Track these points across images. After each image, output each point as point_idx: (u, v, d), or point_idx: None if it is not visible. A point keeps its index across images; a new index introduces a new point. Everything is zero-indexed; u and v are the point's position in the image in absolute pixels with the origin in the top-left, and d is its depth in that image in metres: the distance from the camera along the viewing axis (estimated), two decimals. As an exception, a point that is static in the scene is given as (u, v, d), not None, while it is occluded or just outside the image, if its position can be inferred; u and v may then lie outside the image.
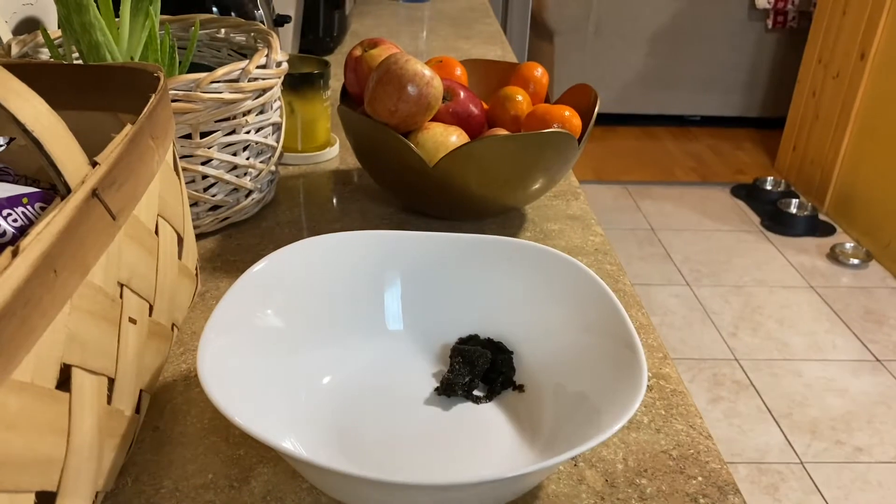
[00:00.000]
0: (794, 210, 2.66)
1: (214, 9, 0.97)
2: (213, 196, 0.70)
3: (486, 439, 0.49)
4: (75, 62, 0.64)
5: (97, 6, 0.62)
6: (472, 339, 0.56)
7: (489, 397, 0.52)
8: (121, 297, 0.42)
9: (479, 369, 0.53)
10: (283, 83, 0.78)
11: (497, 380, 0.53)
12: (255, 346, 0.50)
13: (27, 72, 0.53)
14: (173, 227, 0.51)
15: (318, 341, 0.54)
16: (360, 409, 0.51)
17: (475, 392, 0.53)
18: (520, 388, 0.53)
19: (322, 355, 0.54)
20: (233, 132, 0.69)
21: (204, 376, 0.42)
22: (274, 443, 0.38)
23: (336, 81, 0.90)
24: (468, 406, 0.52)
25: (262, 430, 0.40)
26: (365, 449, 0.48)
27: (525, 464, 0.46)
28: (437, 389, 0.53)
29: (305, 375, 0.52)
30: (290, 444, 0.46)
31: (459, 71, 0.81)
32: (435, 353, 0.56)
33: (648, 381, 0.55)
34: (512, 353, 0.55)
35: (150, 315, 0.47)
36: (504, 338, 0.56)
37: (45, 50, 0.71)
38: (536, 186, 0.71)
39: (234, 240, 0.72)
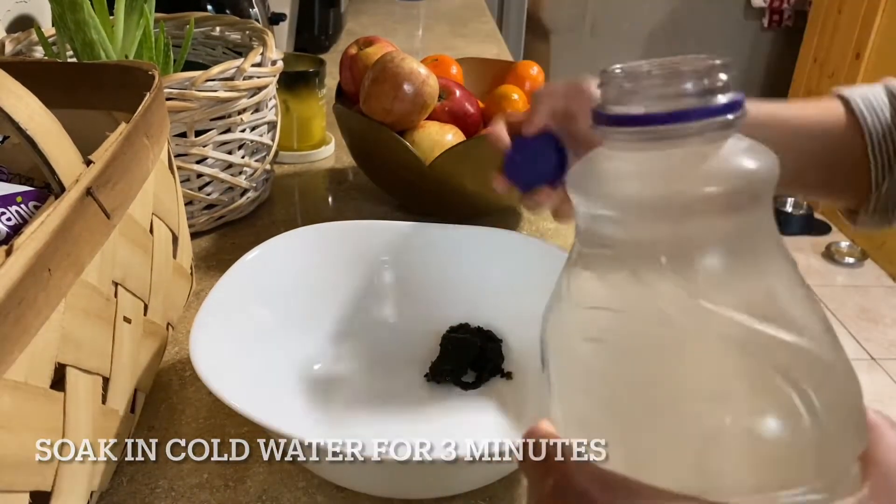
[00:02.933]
0: (789, 209, 2.66)
1: (209, 7, 0.97)
2: (208, 195, 0.70)
3: (472, 424, 0.50)
4: (69, 60, 0.64)
5: (91, 4, 0.62)
6: (462, 328, 0.56)
7: (477, 384, 0.53)
8: (115, 296, 0.41)
9: (467, 357, 0.53)
10: (278, 81, 0.78)
11: (486, 367, 0.53)
12: (247, 332, 0.50)
13: (21, 70, 0.53)
14: (168, 226, 0.51)
15: (310, 329, 0.55)
16: (349, 395, 0.52)
17: (463, 378, 0.53)
18: (508, 376, 0.53)
19: (313, 342, 0.54)
20: (228, 131, 0.69)
21: (197, 359, 0.42)
22: (268, 423, 0.38)
23: (331, 80, 0.89)
24: (456, 393, 0.52)
25: (254, 412, 0.40)
26: (354, 433, 0.48)
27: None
28: (425, 376, 0.53)
29: (296, 362, 0.53)
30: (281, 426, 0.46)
31: (455, 69, 0.81)
32: (425, 341, 0.56)
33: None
34: (501, 341, 0.55)
35: (145, 314, 0.47)
36: (494, 326, 0.56)
37: (39, 48, 0.71)
38: (532, 185, 0.71)
39: (230, 238, 0.72)
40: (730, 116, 0.22)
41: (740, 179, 0.22)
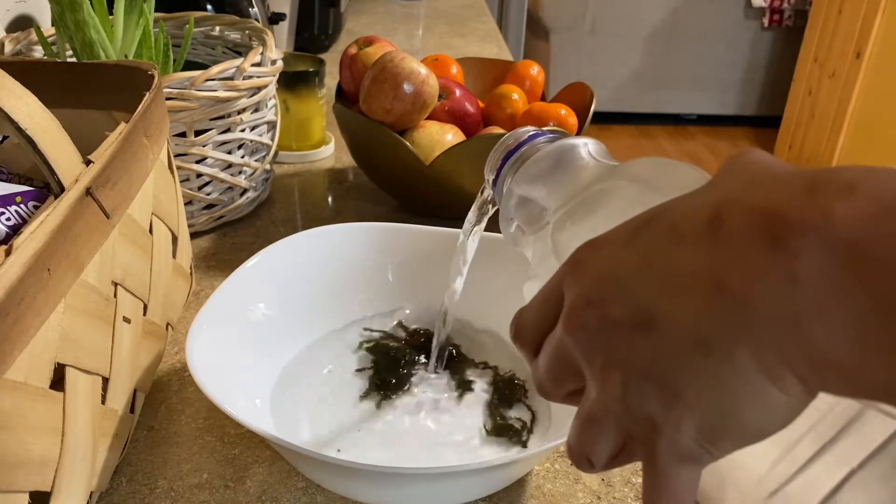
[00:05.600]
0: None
1: (209, 6, 0.97)
2: (208, 195, 0.70)
3: (473, 432, 0.49)
4: (69, 60, 0.64)
5: (91, 4, 0.62)
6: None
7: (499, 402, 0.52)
8: (115, 296, 0.41)
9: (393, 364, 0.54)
10: (277, 81, 0.77)
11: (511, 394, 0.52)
12: (247, 339, 0.50)
13: (20, 70, 0.53)
14: (168, 226, 0.51)
15: (311, 335, 0.54)
16: (350, 402, 0.51)
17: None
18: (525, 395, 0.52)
19: (315, 349, 0.54)
20: (227, 130, 0.69)
21: (194, 366, 0.42)
22: (264, 430, 0.38)
23: (331, 79, 0.89)
24: (459, 400, 0.52)
25: (253, 419, 0.40)
26: (358, 440, 0.48)
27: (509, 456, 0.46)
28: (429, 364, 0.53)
29: (298, 368, 0.53)
30: (282, 434, 0.46)
31: (455, 69, 0.81)
32: (428, 346, 0.56)
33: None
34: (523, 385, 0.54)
35: (145, 314, 0.47)
36: (500, 331, 0.55)
37: (39, 48, 0.71)
38: (532, 185, 0.71)
39: (229, 238, 0.72)
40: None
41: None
